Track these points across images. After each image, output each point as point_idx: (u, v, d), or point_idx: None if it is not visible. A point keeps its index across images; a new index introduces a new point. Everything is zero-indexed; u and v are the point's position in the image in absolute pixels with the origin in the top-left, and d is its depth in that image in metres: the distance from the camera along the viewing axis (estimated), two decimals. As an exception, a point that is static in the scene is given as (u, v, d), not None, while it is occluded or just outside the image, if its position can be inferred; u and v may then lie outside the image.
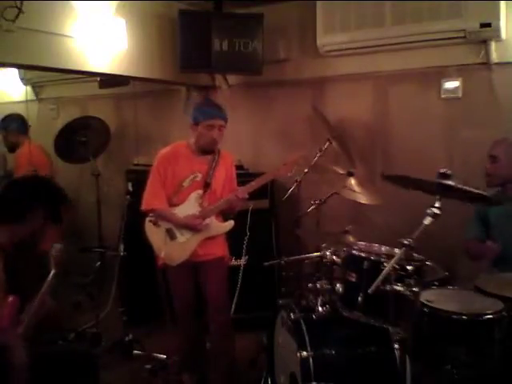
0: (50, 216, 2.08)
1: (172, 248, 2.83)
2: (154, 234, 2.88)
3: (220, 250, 2.96)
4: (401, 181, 2.22)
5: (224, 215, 2.95)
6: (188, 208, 2.85)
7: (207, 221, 2.84)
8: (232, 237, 3.03)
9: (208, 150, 2.86)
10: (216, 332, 2.92)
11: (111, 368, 3.16)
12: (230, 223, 2.92)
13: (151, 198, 2.86)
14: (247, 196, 2.81)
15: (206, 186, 2.86)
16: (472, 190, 1.86)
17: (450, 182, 1.84)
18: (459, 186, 1.85)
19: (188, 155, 2.88)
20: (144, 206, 2.87)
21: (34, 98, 5.29)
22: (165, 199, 2.86)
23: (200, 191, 2.85)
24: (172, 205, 2.86)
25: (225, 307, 2.99)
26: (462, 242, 2.83)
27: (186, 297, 2.96)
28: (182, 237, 2.85)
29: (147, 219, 2.90)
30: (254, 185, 2.84)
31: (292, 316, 2.38)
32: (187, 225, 2.82)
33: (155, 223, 2.87)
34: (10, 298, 1.97)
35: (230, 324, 2.99)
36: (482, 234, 2.71)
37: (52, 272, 2.15)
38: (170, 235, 2.85)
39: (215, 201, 2.88)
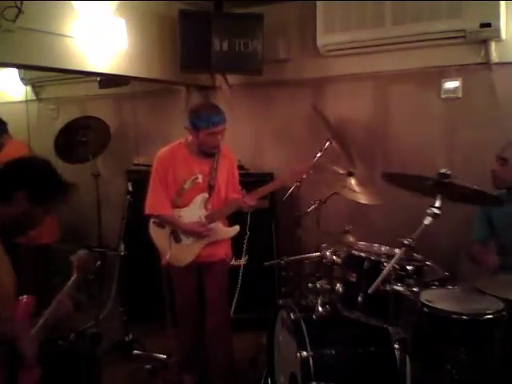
0: (34, 199, 1.95)
1: (177, 250, 2.83)
2: (159, 236, 2.87)
3: (223, 251, 2.96)
4: (400, 179, 2.22)
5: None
6: (194, 211, 2.84)
7: (212, 225, 2.83)
8: (232, 237, 3.02)
9: (211, 153, 2.84)
10: (213, 331, 2.92)
11: (111, 368, 3.15)
12: (235, 228, 2.93)
13: (154, 203, 2.83)
14: (256, 203, 2.81)
15: (210, 188, 2.84)
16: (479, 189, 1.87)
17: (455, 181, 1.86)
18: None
19: (187, 156, 2.85)
20: (147, 211, 2.84)
21: (34, 98, 5.28)
22: (168, 203, 2.83)
23: (205, 194, 2.84)
24: (176, 207, 2.85)
25: (223, 307, 2.99)
26: (466, 243, 2.82)
27: (188, 297, 2.96)
28: (188, 240, 2.85)
29: (151, 221, 2.89)
30: (261, 191, 2.85)
31: (292, 316, 2.37)
32: (193, 232, 2.81)
33: (160, 225, 2.85)
34: (25, 299, 1.87)
35: (229, 324, 2.99)
36: (487, 235, 2.71)
37: (73, 276, 2.14)
38: (175, 238, 2.84)
39: (220, 202, 2.88)
